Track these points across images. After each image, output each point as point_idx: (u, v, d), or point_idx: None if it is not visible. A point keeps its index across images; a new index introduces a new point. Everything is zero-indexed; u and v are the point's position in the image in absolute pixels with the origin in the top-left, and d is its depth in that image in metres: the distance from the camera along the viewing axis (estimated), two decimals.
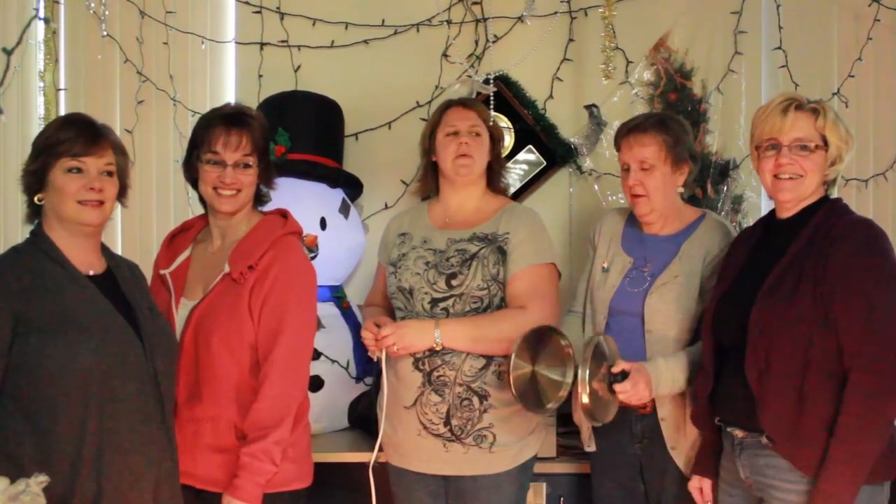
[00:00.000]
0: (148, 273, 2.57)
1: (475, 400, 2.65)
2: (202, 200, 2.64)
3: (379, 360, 2.68)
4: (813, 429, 2.21)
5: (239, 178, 2.52)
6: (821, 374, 2.22)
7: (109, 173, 2.27)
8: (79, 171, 2.22)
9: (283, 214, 2.64)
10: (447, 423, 2.64)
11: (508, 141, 3.76)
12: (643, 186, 2.72)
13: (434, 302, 2.68)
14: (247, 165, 2.54)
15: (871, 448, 2.16)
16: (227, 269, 2.48)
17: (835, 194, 2.50)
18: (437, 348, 2.62)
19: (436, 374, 2.65)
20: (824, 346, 2.22)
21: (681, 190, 2.79)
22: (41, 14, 3.78)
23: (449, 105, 2.87)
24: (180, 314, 2.51)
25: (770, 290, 2.31)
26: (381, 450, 2.76)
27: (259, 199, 2.65)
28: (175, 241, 2.69)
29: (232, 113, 2.59)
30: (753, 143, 2.46)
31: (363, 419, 3.27)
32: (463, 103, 2.86)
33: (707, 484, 2.57)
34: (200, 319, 2.46)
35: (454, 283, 2.67)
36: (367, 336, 2.67)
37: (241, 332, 2.43)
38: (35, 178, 2.25)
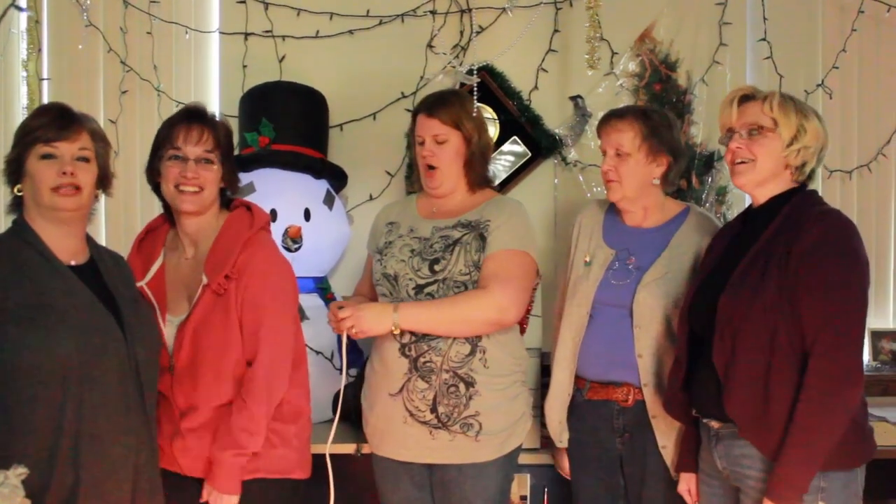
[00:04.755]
0: None
1: (461, 386, 2.64)
2: (166, 207, 2.61)
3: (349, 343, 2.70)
4: (778, 415, 2.23)
5: (201, 174, 2.48)
6: (785, 361, 2.24)
7: (85, 159, 2.25)
8: (52, 157, 2.21)
9: (248, 207, 2.60)
10: (434, 409, 2.64)
11: (493, 132, 3.76)
12: (616, 172, 2.73)
13: (419, 288, 2.68)
14: (208, 161, 2.50)
15: (827, 433, 2.18)
16: (205, 280, 2.46)
17: (817, 186, 2.51)
18: (395, 331, 2.62)
19: (422, 360, 2.65)
20: (789, 334, 2.24)
21: (656, 181, 2.77)
22: (21, 3, 3.76)
23: (416, 112, 2.84)
24: (168, 331, 2.50)
25: (738, 279, 2.34)
26: (363, 440, 2.78)
27: (226, 202, 2.61)
28: (143, 245, 2.65)
29: (193, 109, 2.57)
30: (720, 140, 2.52)
31: (348, 409, 3.26)
32: (427, 110, 2.79)
33: (693, 481, 2.58)
34: (194, 337, 2.45)
35: (437, 268, 2.67)
36: (330, 318, 2.69)
37: (237, 346, 2.45)
38: (13, 167, 2.24)
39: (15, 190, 2.25)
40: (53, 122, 2.22)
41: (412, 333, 2.65)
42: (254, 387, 2.42)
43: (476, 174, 2.82)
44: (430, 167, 2.76)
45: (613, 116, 2.79)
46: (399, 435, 2.69)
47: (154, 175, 2.55)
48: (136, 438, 2.24)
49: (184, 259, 2.58)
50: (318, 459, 2.69)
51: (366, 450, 2.85)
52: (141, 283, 2.53)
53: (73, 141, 2.23)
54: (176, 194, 2.50)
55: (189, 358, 2.45)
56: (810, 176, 2.44)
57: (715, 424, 2.40)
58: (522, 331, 3.03)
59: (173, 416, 2.47)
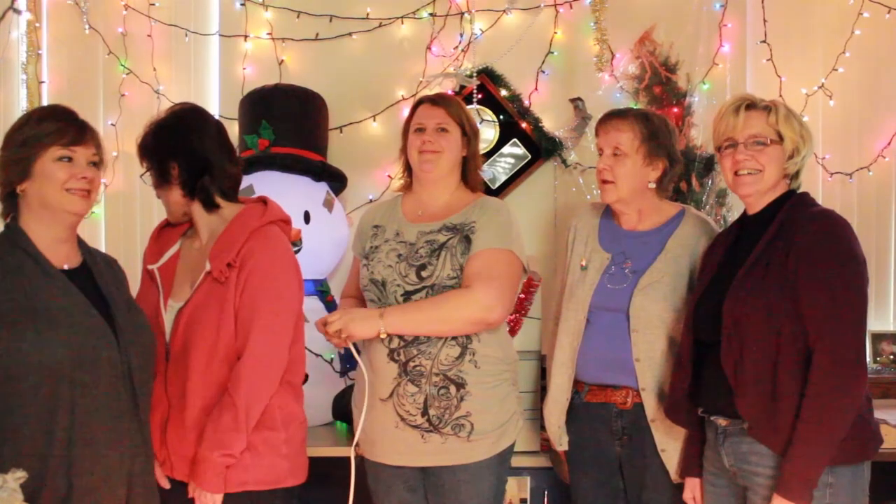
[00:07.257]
0: (131, 267, 2.55)
1: (452, 388, 2.63)
2: None
3: (348, 351, 2.67)
4: (787, 412, 2.25)
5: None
6: (791, 360, 2.26)
7: (95, 164, 2.27)
8: (69, 159, 2.21)
9: (264, 202, 2.58)
10: (425, 413, 2.63)
11: (493, 134, 3.76)
12: (612, 172, 2.72)
13: (407, 294, 2.67)
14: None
15: (834, 426, 2.20)
16: (207, 267, 2.43)
17: (817, 188, 2.52)
18: (383, 336, 2.62)
19: (412, 364, 2.64)
20: (793, 332, 2.26)
21: (652, 185, 2.76)
22: (20, 6, 3.76)
23: (420, 102, 2.86)
24: (168, 316, 2.48)
25: (740, 283, 2.36)
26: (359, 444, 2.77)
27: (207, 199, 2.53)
28: (163, 234, 2.65)
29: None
30: (715, 146, 2.52)
31: (347, 413, 3.26)
32: (432, 100, 2.83)
33: (697, 487, 2.58)
34: (189, 323, 2.42)
35: (424, 274, 2.66)
36: (318, 328, 2.67)
37: (229, 335, 2.40)
38: (19, 168, 2.22)
39: (18, 189, 2.24)
40: (70, 126, 2.23)
41: (401, 338, 2.64)
42: (239, 383, 2.35)
43: (471, 174, 2.82)
44: (429, 152, 2.76)
45: (614, 116, 2.77)
46: (391, 440, 2.68)
47: None
48: (131, 444, 2.22)
49: (195, 247, 2.57)
50: (317, 463, 2.68)
51: (359, 453, 2.83)
52: (152, 267, 2.54)
53: (87, 146, 2.25)
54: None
55: (182, 343, 2.42)
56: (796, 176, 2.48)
57: (722, 422, 2.41)
58: (514, 332, 3.02)
59: (164, 407, 2.43)
